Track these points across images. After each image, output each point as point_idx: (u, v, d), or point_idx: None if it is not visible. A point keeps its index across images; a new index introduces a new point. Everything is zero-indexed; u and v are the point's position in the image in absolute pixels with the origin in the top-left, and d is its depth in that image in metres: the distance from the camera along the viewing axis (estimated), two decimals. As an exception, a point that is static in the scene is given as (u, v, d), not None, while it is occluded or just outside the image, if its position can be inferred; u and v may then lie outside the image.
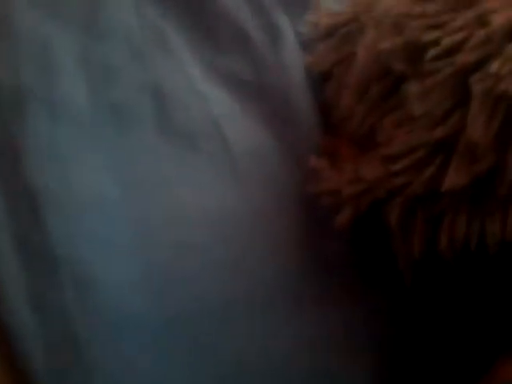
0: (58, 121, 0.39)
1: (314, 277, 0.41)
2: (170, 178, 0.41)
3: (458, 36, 0.35)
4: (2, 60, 0.39)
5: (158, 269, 0.37)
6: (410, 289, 0.39)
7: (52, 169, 0.37)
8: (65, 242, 0.35)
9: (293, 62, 0.49)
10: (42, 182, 0.36)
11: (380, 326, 0.40)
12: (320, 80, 0.48)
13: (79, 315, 0.34)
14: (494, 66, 0.33)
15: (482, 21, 0.35)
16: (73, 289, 0.34)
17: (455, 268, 0.37)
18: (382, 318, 0.41)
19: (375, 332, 0.40)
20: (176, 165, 0.41)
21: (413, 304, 0.40)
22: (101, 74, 0.43)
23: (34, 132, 0.37)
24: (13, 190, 0.35)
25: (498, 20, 0.34)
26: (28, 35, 0.41)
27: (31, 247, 0.34)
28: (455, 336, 0.40)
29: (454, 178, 0.34)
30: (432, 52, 0.35)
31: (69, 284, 0.34)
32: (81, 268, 0.34)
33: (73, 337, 0.33)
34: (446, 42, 0.35)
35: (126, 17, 0.47)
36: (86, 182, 0.38)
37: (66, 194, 0.36)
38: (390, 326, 0.40)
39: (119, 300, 0.35)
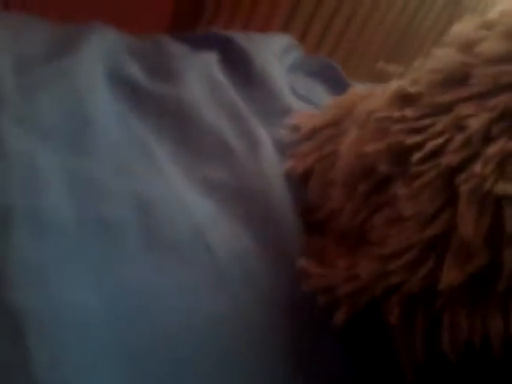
0: (44, 236, 0.38)
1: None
2: (156, 289, 0.40)
3: (440, 140, 0.37)
4: None
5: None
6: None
7: (35, 287, 0.36)
8: (48, 366, 0.33)
9: (272, 168, 0.51)
10: (23, 303, 0.35)
11: None
12: (299, 183, 0.50)
13: None
14: (477, 167, 0.35)
15: (459, 125, 0.37)
16: None
17: (460, 368, 0.36)
18: None
19: None
20: (162, 275, 0.41)
21: None
22: (86, 190, 0.43)
23: (18, 250, 0.37)
24: None
25: (474, 125, 0.36)
26: (15, 155, 0.42)
27: (10, 366, 0.32)
28: None
29: (449, 277, 0.34)
30: (417, 155, 0.37)
31: None
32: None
33: None
34: (430, 145, 0.37)
35: (110, 131, 0.49)
36: (69, 300, 0.36)
37: (48, 317, 0.35)
38: None
39: None
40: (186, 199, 0.47)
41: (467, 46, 0.40)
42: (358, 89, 0.51)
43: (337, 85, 0.72)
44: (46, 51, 0.53)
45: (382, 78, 0.46)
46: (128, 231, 0.42)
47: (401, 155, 0.38)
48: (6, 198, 0.39)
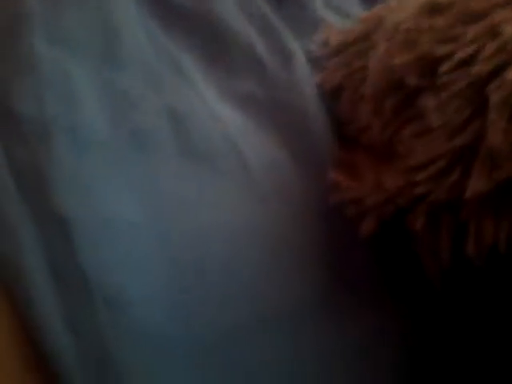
0: (82, 147, 0.40)
1: (340, 291, 0.41)
2: (192, 199, 0.42)
3: (471, 48, 0.36)
4: (28, 93, 0.41)
5: (181, 291, 0.37)
6: (439, 297, 0.40)
7: (79, 196, 0.38)
8: (95, 266, 0.36)
9: (305, 80, 0.50)
10: (70, 210, 0.37)
11: (407, 340, 0.41)
12: (332, 96, 0.49)
13: (113, 337, 0.34)
14: (510, 74, 0.34)
15: (492, 32, 0.36)
16: (105, 311, 0.34)
17: (486, 274, 0.37)
18: (409, 332, 0.41)
19: (402, 347, 0.40)
20: (195, 185, 0.42)
21: (441, 315, 0.41)
22: (120, 102, 0.44)
23: (60, 160, 0.38)
24: (42, 218, 0.36)
25: (509, 31, 0.35)
26: (50, 70, 0.43)
27: (64, 273, 0.35)
28: (486, 349, 0.40)
29: (476, 186, 0.35)
30: (446, 65, 0.37)
31: (101, 307, 0.34)
32: (112, 291, 0.35)
33: (108, 358, 0.34)
34: (460, 55, 0.36)
35: (140, 45, 0.49)
36: (113, 207, 0.39)
37: (95, 221, 0.37)
38: (418, 340, 0.41)
39: (147, 321, 0.36)
40: (219, 112, 0.47)
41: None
42: (386, 3, 0.49)
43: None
44: None
45: None
46: (162, 141, 0.44)
47: (430, 66, 0.38)
48: (44, 111, 0.40)
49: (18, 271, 0.34)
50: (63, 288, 0.35)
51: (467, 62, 0.36)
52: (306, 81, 0.50)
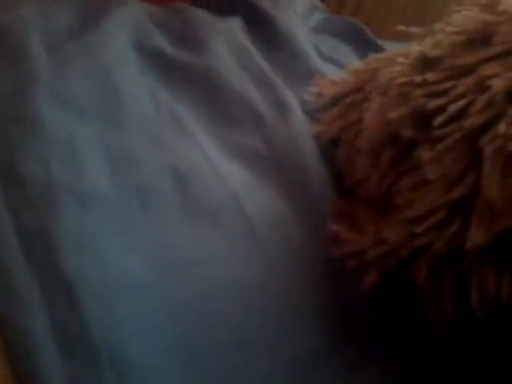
0: (87, 207, 0.41)
1: (344, 341, 0.41)
2: (197, 257, 0.42)
3: (462, 102, 0.37)
4: (34, 156, 0.41)
5: (191, 349, 0.38)
6: (443, 348, 0.39)
7: (84, 255, 0.38)
8: (101, 326, 0.35)
9: (302, 133, 0.51)
10: (75, 270, 0.37)
11: None
12: (329, 147, 0.51)
13: None
14: (502, 127, 0.35)
15: (482, 86, 0.37)
16: (111, 371, 0.34)
17: (489, 325, 0.37)
18: None
19: None
20: (201, 243, 0.43)
21: (446, 365, 0.40)
22: (123, 161, 0.45)
23: (64, 220, 0.39)
24: (47, 277, 0.37)
25: (497, 85, 0.36)
26: (54, 132, 0.44)
27: (69, 334, 0.35)
28: None
29: (475, 237, 0.35)
30: (439, 119, 0.38)
31: (107, 367, 0.34)
32: (118, 351, 0.35)
33: None
34: (452, 108, 0.37)
35: (142, 104, 0.50)
36: (117, 265, 0.39)
37: (99, 280, 0.37)
38: None
39: (156, 382, 0.35)
40: (220, 168, 0.48)
41: (490, 5, 0.40)
42: (378, 55, 0.51)
43: (364, 45, 0.72)
44: (72, 25, 0.55)
45: (405, 38, 0.46)
46: (165, 199, 0.44)
47: (424, 119, 0.39)
48: (49, 174, 0.41)
49: (22, 334, 0.34)
50: (68, 350, 0.34)
51: (460, 115, 0.37)
52: (304, 133, 0.51)
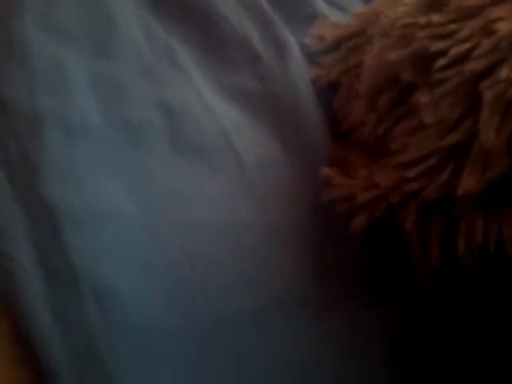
0: (74, 138, 0.40)
1: (330, 287, 0.41)
2: (184, 192, 0.42)
3: (466, 45, 0.36)
4: (20, 83, 0.40)
5: (175, 282, 0.37)
6: (428, 296, 0.39)
7: (69, 185, 0.38)
8: (83, 255, 0.35)
9: (300, 75, 0.50)
10: (59, 198, 0.37)
11: (395, 338, 0.40)
12: (327, 91, 0.49)
13: (100, 327, 0.34)
14: (504, 72, 0.34)
15: (488, 30, 0.35)
16: (93, 301, 0.34)
17: (475, 274, 0.37)
18: (397, 330, 0.40)
19: (391, 345, 0.40)
20: (189, 179, 0.42)
21: (430, 313, 0.40)
22: (113, 93, 0.44)
23: (50, 149, 0.38)
24: (32, 206, 0.36)
25: (504, 28, 0.34)
26: (43, 59, 0.42)
27: (52, 262, 0.35)
28: (474, 347, 0.39)
29: (468, 183, 0.35)
30: (440, 62, 0.36)
31: (89, 297, 0.34)
32: (100, 281, 0.35)
33: (95, 349, 0.33)
34: (454, 51, 0.36)
35: (134, 36, 0.49)
36: (102, 196, 0.39)
37: (83, 210, 0.37)
38: (406, 339, 0.40)
39: (138, 312, 0.35)
40: (213, 105, 0.47)
41: None
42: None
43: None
44: None
45: None
46: (155, 134, 0.43)
47: (425, 62, 0.38)
48: (35, 101, 0.40)
49: (6, 259, 0.34)
50: (51, 277, 0.34)
51: (462, 59, 0.36)
52: (301, 76, 0.49)
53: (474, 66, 0.35)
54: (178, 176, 0.42)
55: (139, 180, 0.41)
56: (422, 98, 0.37)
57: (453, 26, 0.37)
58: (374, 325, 0.40)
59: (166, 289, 0.37)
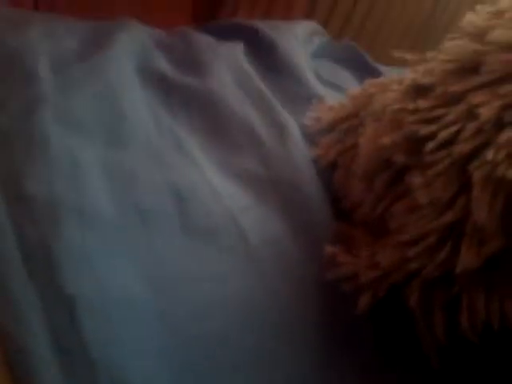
0: (88, 227, 0.42)
1: (337, 363, 0.41)
2: (195, 273, 0.43)
3: (452, 129, 0.38)
4: (39, 175, 0.43)
5: (186, 362, 0.38)
6: (436, 372, 0.40)
7: (84, 274, 0.39)
8: (100, 345, 0.36)
9: (301, 156, 0.52)
10: (75, 288, 0.38)
11: None
12: (327, 170, 0.52)
13: None
14: (490, 154, 0.36)
15: (471, 114, 0.38)
16: None
17: (481, 348, 0.37)
18: None
19: None
20: (199, 261, 0.44)
21: None
22: (124, 181, 0.46)
23: (65, 239, 0.40)
24: (48, 296, 0.37)
25: (486, 113, 0.37)
26: (59, 152, 0.45)
27: (69, 352, 0.36)
28: None
29: (466, 260, 0.36)
30: (430, 145, 0.39)
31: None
32: (117, 371, 0.36)
33: None
34: (442, 135, 0.38)
35: (143, 124, 0.52)
36: (115, 284, 0.40)
37: (97, 298, 0.38)
38: None
39: None
40: (219, 188, 0.49)
41: (479, 35, 0.41)
42: (374, 80, 0.52)
43: (363, 70, 0.73)
44: (79, 49, 0.57)
45: (405, 63, 0.47)
46: (165, 218, 0.45)
47: (415, 145, 0.40)
48: (52, 192, 0.42)
49: (23, 349, 0.35)
50: (68, 368, 0.35)
51: (450, 141, 0.38)
52: (302, 157, 0.52)
53: (461, 148, 0.37)
54: (188, 258, 0.44)
55: (151, 264, 0.42)
56: (415, 179, 0.39)
57: (439, 111, 0.40)
58: None
59: (178, 369, 0.38)
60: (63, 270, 0.38)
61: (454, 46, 0.42)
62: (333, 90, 0.63)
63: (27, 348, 0.35)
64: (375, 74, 0.71)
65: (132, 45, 0.60)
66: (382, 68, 0.75)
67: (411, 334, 0.41)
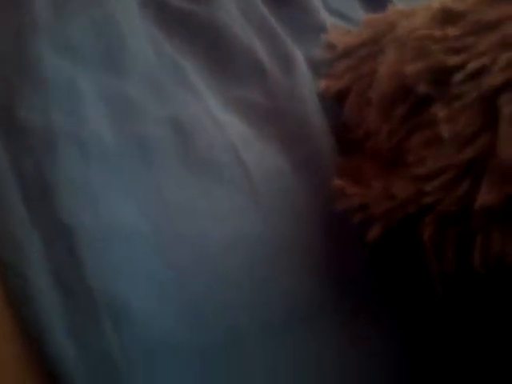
0: (87, 156, 0.40)
1: (341, 296, 0.42)
2: (195, 207, 0.42)
3: (483, 60, 0.36)
4: (35, 103, 0.41)
5: (186, 297, 0.38)
6: (441, 303, 0.40)
7: (84, 205, 0.38)
8: (99, 275, 0.36)
9: (306, 88, 0.50)
10: (75, 219, 0.37)
11: (403, 355, 0.41)
12: (333, 104, 0.50)
13: (117, 346, 0.34)
14: (522, 88, 0.34)
15: (505, 44, 0.36)
16: (109, 319, 0.35)
17: (490, 283, 0.38)
18: (405, 346, 0.41)
19: (398, 362, 0.41)
20: (199, 194, 0.43)
21: (443, 321, 0.41)
22: (124, 110, 0.45)
23: (65, 169, 0.39)
24: (48, 227, 0.37)
25: (522, 43, 0.35)
26: (55, 79, 0.43)
27: (68, 282, 0.35)
28: (485, 363, 0.40)
29: (485, 198, 0.35)
30: (458, 76, 0.37)
31: (105, 316, 0.35)
32: (116, 300, 0.36)
33: (112, 367, 0.34)
34: (472, 66, 0.36)
35: (144, 54, 0.49)
36: (115, 215, 0.39)
37: (96, 228, 0.38)
38: (414, 355, 0.41)
39: (154, 330, 0.36)
40: (221, 120, 0.48)
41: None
42: (398, 6, 0.49)
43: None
44: None
45: None
46: (166, 150, 0.44)
47: (441, 76, 0.38)
48: (50, 122, 0.40)
49: (23, 280, 0.35)
50: (68, 298, 0.35)
51: (479, 73, 0.36)
52: (307, 89, 0.50)
53: (491, 80, 0.36)
54: (188, 191, 0.43)
55: (151, 197, 0.41)
56: (440, 112, 0.37)
57: (469, 40, 0.38)
58: (386, 336, 0.41)
59: (178, 303, 0.38)
60: (62, 201, 0.37)
61: (489, -28, 0.40)
62: (341, 20, 0.60)
63: (26, 275, 0.35)
64: (387, 4, 0.68)
65: None
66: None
67: (413, 269, 0.41)
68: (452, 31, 0.38)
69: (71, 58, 0.45)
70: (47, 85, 0.42)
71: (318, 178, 0.46)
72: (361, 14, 0.64)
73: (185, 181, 0.43)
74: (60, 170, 0.39)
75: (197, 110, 0.47)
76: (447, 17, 0.39)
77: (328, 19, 0.60)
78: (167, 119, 0.45)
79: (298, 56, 0.53)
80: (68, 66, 0.44)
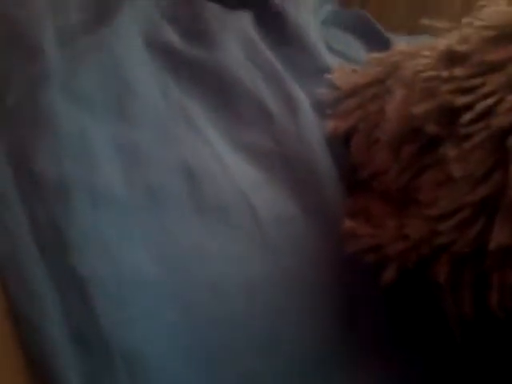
0: (99, 205, 0.41)
1: (353, 340, 0.41)
2: (206, 252, 0.42)
3: (491, 100, 0.36)
4: (48, 153, 0.41)
5: (199, 344, 0.38)
6: (455, 351, 0.39)
7: (96, 253, 0.38)
8: (114, 326, 0.35)
9: (312, 131, 0.51)
10: (88, 268, 0.37)
11: None
12: (340, 143, 0.50)
13: None
14: (530, 129, 0.34)
15: (511, 85, 0.36)
16: (124, 371, 0.34)
17: (507, 324, 0.37)
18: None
19: None
20: (211, 239, 0.43)
21: (457, 371, 0.40)
22: (134, 158, 0.45)
23: (78, 219, 0.39)
24: (62, 277, 0.37)
25: (528, 84, 0.35)
26: (67, 129, 0.44)
27: (83, 333, 0.35)
28: None
29: (499, 237, 0.35)
30: (467, 116, 0.37)
31: (121, 368, 0.34)
32: (131, 351, 0.35)
33: None
34: (480, 106, 0.37)
35: (153, 101, 0.50)
36: (129, 264, 0.39)
37: (111, 278, 0.37)
38: None
39: (164, 377, 0.35)
40: (230, 165, 0.48)
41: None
42: (401, 46, 0.50)
43: (373, 39, 0.71)
44: (84, 19, 0.54)
45: (414, 31, 0.45)
46: (177, 197, 0.44)
47: (450, 116, 0.38)
48: (62, 171, 0.41)
49: (39, 333, 0.34)
50: (83, 350, 0.34)
51: (487, 113, 0.37)
52: (313, 132, 0.51)
53: (500, 120, 0.36)
54: (200, 237, 0.43)
55: (164, 244, 0.41)
56: (450, 151, 0.37)
57: (476, 81, 0.38)
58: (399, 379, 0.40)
59: (197, 357, 0.37)
60: (75, 251, 0.37)
61: (492, 13, 0.40)
62: (344, 60, 0.61)
63: (43, 331, 0.34)
64: (386, 43, 0.69)
65: (139, 16, 0.57)
66: (394, 38, 0.73)
67: (429, 310, 0.40)
68: (459, 72, 0.39)
69: (82, 107, 0.46)
70: (60, 134, 0.43)
71: (329, 223, 0.46)
72: (362, 54, 0.65)
73: (195, 226, 0.43)
74: (73, 220, 0.39)
75: (206, 155, 0.48)
76: (453, 58, 0.40)
77: (331, 60, 0.61)
78: (177, 166, 0.46)
79: (304, 100, 0.53)
80: (80, 116, 0.45)
